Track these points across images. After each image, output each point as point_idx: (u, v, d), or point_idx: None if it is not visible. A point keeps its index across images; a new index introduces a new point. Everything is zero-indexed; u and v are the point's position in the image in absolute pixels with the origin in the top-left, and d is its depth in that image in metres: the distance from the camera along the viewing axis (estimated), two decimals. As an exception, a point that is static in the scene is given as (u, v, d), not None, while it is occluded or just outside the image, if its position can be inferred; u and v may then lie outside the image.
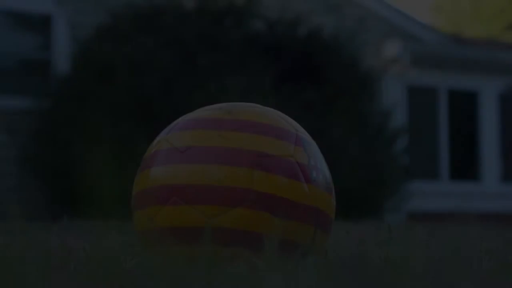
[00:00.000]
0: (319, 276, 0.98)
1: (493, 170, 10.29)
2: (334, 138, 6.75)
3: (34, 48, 7.86)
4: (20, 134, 7.17)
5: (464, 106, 10.33)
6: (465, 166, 10.29)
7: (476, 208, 8.67)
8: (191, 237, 1.30)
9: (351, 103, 7.12)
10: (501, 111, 10.43)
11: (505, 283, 1.00)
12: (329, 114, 6.90)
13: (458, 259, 1.56)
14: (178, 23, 6.63)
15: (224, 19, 6.89)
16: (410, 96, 9.85)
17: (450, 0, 23.96)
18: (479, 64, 10.20)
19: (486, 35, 20.35)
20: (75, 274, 1.24)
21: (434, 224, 2.84)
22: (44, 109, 6.91)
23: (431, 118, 10.01)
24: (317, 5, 9.04)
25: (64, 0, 7.55)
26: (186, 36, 6.52)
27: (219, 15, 6.88)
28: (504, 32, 22.51)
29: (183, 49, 6.45)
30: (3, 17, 7.74)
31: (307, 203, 1.37)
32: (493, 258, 1.57)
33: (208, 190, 1.32)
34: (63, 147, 6.45)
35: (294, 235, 1.34)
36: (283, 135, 1.40)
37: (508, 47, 12.12)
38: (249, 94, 6.03)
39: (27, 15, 7.83)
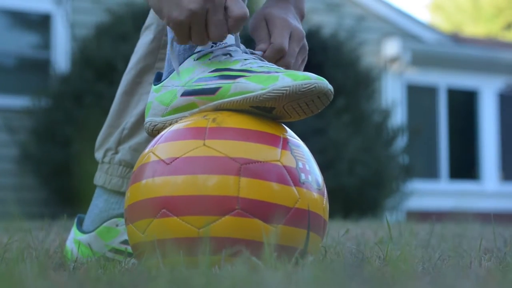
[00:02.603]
0: (318, 276, 0.98)
1: (492, 169, 10.30)
2: (333, 137, 6.75)
3: (33, 47, 7.86)
4: (20, 133, 7.18)
5: (464, 105, 10.34)
6: (465, 166, 10.29)
7: (476, 208, 8.68)
8: (183, 248, 1.29)
9: (351, 102, 7.12)
10: (500, 110, 10.44)
11: (505, 283, 1.00)
12: (329, 113, 6.90)
13: (458, 258, 1.57)
14: (177, 22, 6.63)
15: (224, 18, 6.89)
16: (409, 95, 9.85)
17: (449, -1, 23.96)
18: (478, 63, 10.21)
19: (485, 34, 20.35)
20: (75, 274, 1.24)
21: (434, 223, 2.84)
22: (43, 108, 6.91)
23: (430, 117, 10.02)
24: (317, 4, 9.04)
25: (64, -1, 7.56)
26: (185, 35, 6.51)
27: (218, 14, 6.87)
28: (503, 31, 22.52)
29: (183, 48, 6.44)
30: (2, 16, 7.75)
31: (297, 207, 1.35)
32: (492, 258, 1.57)
33: (196, 200, 1.31)
34: (63, 146, 6.45)
35: (286, 240, 1.33)
36: (269, 140, 1.38)
37: (508, 46, 12.12)
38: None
39: (27, 14, 7.84)
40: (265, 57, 1.52)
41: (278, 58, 1.53)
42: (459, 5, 23.65)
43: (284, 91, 1.37)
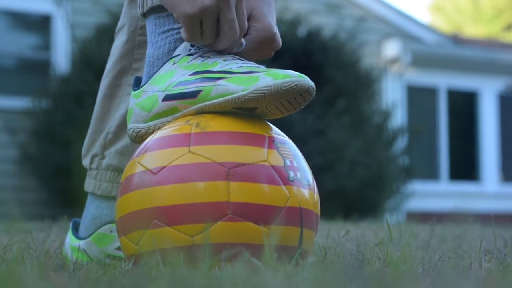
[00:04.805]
0: (319, 278, 0.98)
1: (492, 170, 10.30)
2: (333, 139, 6.75)
3: (33, 48, 7.86)
4: (20, 134, 7.18)
5: (464, 106, 10.33)
6: (465, 167, 10.29)
7: (476, 209, 8.68)
8: (179, 257, 1.28)
9: (351, 103, 7.12)
10: (500, 111, 10.44)
11: (505, 284, 1.00)
12: (329, 114, 6.90)
13: (458, 260, 1.57)
14: (177, 23, 6.63)
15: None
16: (410, 96, 9.85)
17: (449, 0, 23.97)
18: (478, 64, 10.21)
19: (485, 35, 20.35)
20: (75, 275, 1.24)
21: (434, 224, 2.84)
22: (43, 109, 6.91)
23: (431, 118, 10.02)
24: (317, 5, 9.04)
25: (64, 0, 7.56)
26: (185, 36, 6.51)
27: (218, 15, 6.87)
28: (503, 32, 22.53)
29: (183, 49, 6.44)
30: (2, 17, 7.74)
31: (289, 206, 1.34)
32: (493, 259, 1.57)
33: (187, 209, 1.30)
34: (63, 147, 6.45)
35: (281, 239, 1.32)
36: (254, 140, 1.37)
37: (508, 47, 12.12)
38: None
39: (27, 15, 7.84)
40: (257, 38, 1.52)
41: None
42: (459, 6, 23.65)
43: (266, 91, 1.36)
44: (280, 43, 1.58)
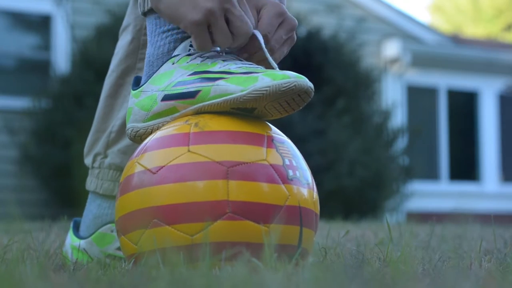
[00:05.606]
0: (319, 277, 0.98)
1: (492, 170, 10.30)
2: (333, 139, 6.75)
3: (33, 48, 7.86)
4: (20, 134, 7.18)
5: (464, 106, 10.34)
6: (465, 167, 10.29)
7: (476, 209, 8.68)
8: (179, 256, 1.28)
9: (351, 103, 7.12)
10: (500, 111, 10.44)
11: (505, 284, 1.00)
12: (329, 114, 6.90)
13: (458, 260, 1.57)
14: (178, 23, 6.63)
15: (224, 19, 6.88)
16: (410, 96, 9.85)
17: (449, 0, 23.97)
18: (478, 64, 10.21)
19: (485, 35, 20.36)
20: (75, 275, 1.24)
21: (434, 224, 2.84)
22: (43, 109, 6.92)
23: (431, 118, 10.02)
24: (317, 5, 9.04)
25: (64, 0, 7.56)
26: (185, 36, 6.51)
27: (219, 15, 6.87)
28: (503, 32, 22.53)
29: (183, 49, 6.44)
30: (2, 17, 7.75)
31: (288, 204, 1.34)
32: (493, 259, 1.57)
33: (186, 208, 1.31)
34: (63, 147, 6.45)
35: (280, 238, 1.32)
36: (253, 139, 1.37)
37: (508, 47, 12.13)
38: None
39: (27, 15, 7.84)
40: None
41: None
42: (459, 6, 23.65)
43: (265, 92, 1.36)
44: (295, 20, 1.54)
